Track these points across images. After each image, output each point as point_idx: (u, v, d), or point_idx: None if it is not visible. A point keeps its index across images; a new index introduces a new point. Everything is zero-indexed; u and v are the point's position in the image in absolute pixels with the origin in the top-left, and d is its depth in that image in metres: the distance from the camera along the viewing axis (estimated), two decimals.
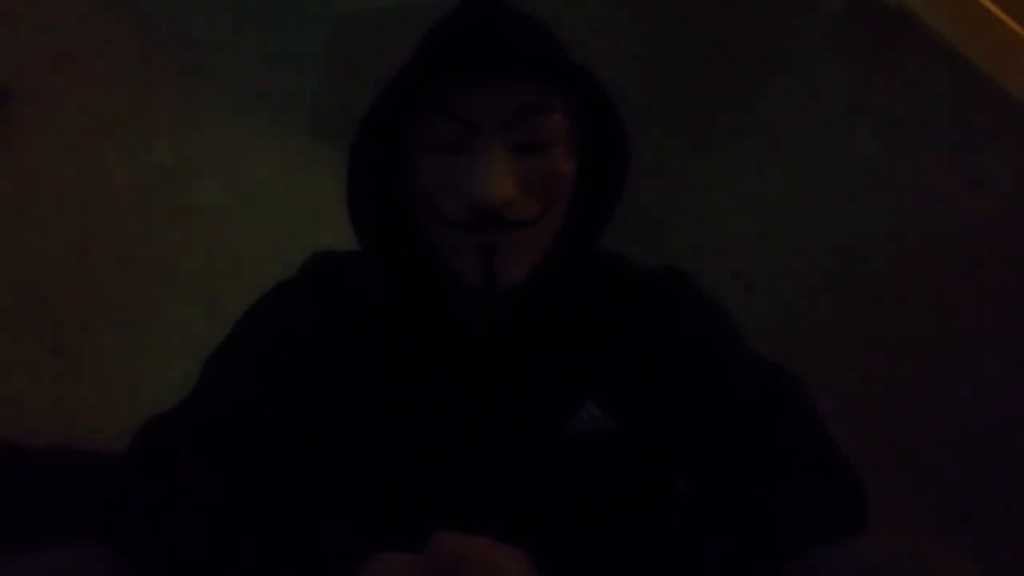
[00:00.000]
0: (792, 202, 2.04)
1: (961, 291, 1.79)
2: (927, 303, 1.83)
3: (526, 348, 0.82)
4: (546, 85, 0.76)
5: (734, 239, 2.16)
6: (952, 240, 1.80)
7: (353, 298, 0.86)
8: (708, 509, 0.71)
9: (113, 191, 1.88)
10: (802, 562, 0.65)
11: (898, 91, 1.85)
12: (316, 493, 0.78)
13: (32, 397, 1.61)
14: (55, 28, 1.90)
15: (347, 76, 2.02)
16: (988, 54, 1.71)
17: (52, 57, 1.88)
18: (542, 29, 0.82)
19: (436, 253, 0.81)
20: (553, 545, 0.65)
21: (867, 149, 1.92)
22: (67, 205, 1.82)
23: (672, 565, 0.65)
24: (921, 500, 1.72)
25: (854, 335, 1.93)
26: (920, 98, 1.82)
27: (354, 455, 0.78)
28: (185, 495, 0.71)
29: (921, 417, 1.82)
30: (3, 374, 1.62)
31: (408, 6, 1.76)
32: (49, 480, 1.41)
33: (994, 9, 1.73)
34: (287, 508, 0.75)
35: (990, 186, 1.75)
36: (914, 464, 1.77)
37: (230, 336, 0.86)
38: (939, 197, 1.82)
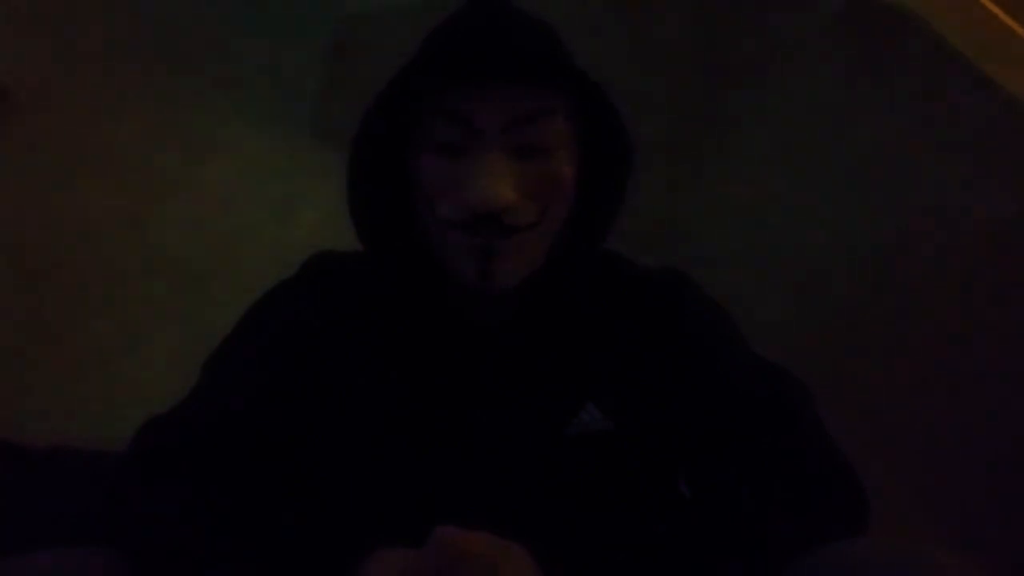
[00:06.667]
0: (791, 201, 2.05)
1: (961, 290, 1.79)
2: (927, 302, 1.83)
3: (527, 349, 0.82)
4: (548, 89, 0.76)
5: (733, 238, 2.16)
6: (951, 239, 1.81)
7: (353, 298, 0.86)
8: (709, 509, 0.71)
9: (113, 190, 1.88)
10: (802, 562, 0.65)
11: (897, 91, 1.85)
12: (317, 492, 0.78)
13: (32, 397, 1.61)
14: (55, 28, 1.90)
15: (347, 76, 2.02)
16: (988, 54, 1.71)
17: (52, 57, 1.89)
18: (545, 31, 0.82)
19: (436, 253, 0.81)
20: (554, 541, 0.65)
21: (866, 148, 1.92)
22: (66, 204, 1.83)
23: (672, 564, 0.65)
24: (921, 500, 1.72)
25: (853, 335, 1.94)
26: (920, 98, 1.82)
27: (355, 454, 0.78)
28: (185, 495, 0.71)
29: (921, 418, 1.83)
30: (3, 374, 1.62)
31: (409, 6, 1.77)
32: (49, 480, 1.41)
33: (994, 9, 1.74)
34: (288, 507, 0.75)
35: (989, 185, 1.75)
36: (914, 464, 1.77)
37: (230, 336, 0.86)
38: (938, 196, 1.82)
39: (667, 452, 0.80)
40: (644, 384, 0.81)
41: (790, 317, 1.94)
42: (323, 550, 0.65)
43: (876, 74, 1.87)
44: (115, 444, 0.81)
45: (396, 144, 0.81)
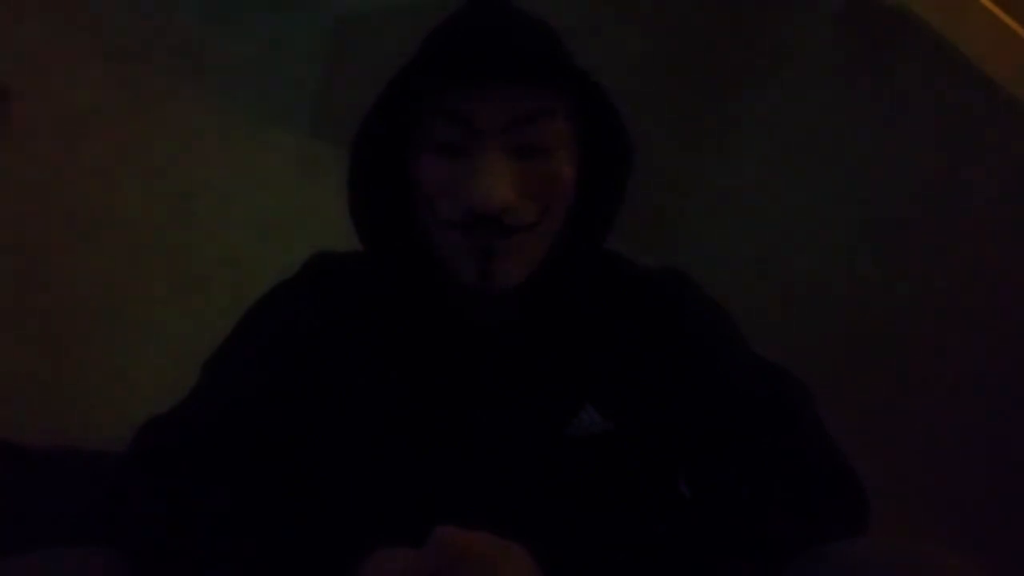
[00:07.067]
0: (791, 201, 2.05)
1: (961, 290, 1.79)
2: (927, 302, 1.83)
3: (527, 349, 0.82)
4: (548, 89, 0.76)
5: (733, 238, 2.16)
6: (951, 239, 1.81)
7: (353, 298, 0.86)
8: (709, 509, 0.71)
9: (113, 191, 1.88)
10: (802, 562, 0.65)
11: (897, 91, 1.85)
12: (317, 492, 0.78)
13: (32, 397, 1.61)
14: (55, 28, 1.90)
15: (347, 76, 2.02)
16: (988, 54, 1.71)
17: (52, 57, 1.88)
18: (545, 31, 0.82)
19: (436, 253, 0.81)
20: (554, 541, 0.65)
21: (866, 149, 1.92)
22: (66, 204, 1.82)
23: (672, 564, 0.65)
24: (921, 500, 1.72)
25: (853, 335, 1.93)
26: (920, 98, 1.82)
27: (355, 454, 0.78)
28: (185, 496, 0.71)
29: (921, 418, 1.83)
30: (3, 373, 1.62)
31: (408, 6, 1.76)
32: (49, 480, 1.41)
33: (994, 9, 1.74)
34: (288, 507, 0.75)
35: (989, 185, 1.75)
36: (914, 464, 1.77)
37: (230, 336, 0.86)
38: (938, 196, 1.82)
39: (667, 452, 0.80)
40: (644, 384, 0.81)
41: (790, 317, 1.94)
42: (323, 550, 0.65)
43: (876, 74, 1.86)
44: (115, 444, 0.81)
45: (396, 144, 0.81)
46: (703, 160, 2.16)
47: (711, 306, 0.88)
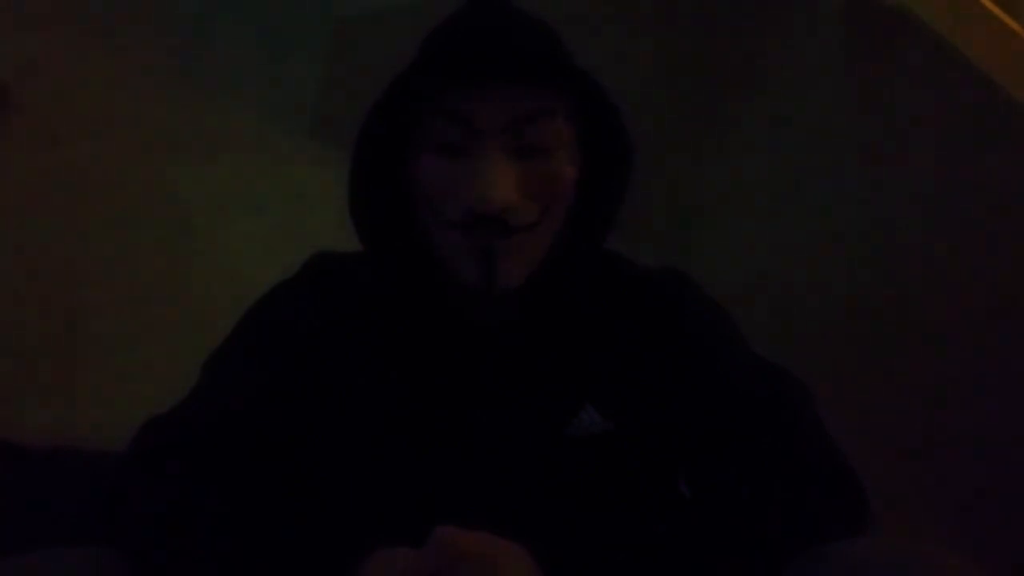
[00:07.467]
0: (791, 201, 2.05)
1: (961, 290, 1.79)
2: (927, 302, 1.83)
3: (527, 349, 0.82)
4: (548, 89, 0.76)
5: (733, 238, 2.16)
6: (951, 239, 1.81)
7: (354, 298, 0.86)
8: (709, 509, 0.71)
9: (113, 190, 1.88)
10: (802, 562, 0.65)
11: (897, 90, 1.85)
12: (317, 492, 0.78)
13: (32, 397, 1.61)
14: (55, 28, 1.90)
15: (347, 76, 2.02)
16: (988, 54, 1.71)
17: (52, 57, 1.89)
18: (545, 31, 0.82)
19: (436, 253, 0.81)
20: (554, 541, 0.65)
21: (866, 149, 1.92)
22: (67, 204, 1.82)
23: (672, 564, 0.65)
24: (921, 500, 1.72)
25: (852, 335, 1.93)
26: (920, 97, 1.82)
27: (355, 454, 0.78)
28: (185, 495, 0.71)
29: (921, 416, 1.82)
30: (3, 374, 1.62)
31: (408, 6, 1.76)
32: (49, 480, 1.41)
33: (994, 9, 1.74)
34: (288, 507, 0.75)
35: (989, 185, 1.75)
36: (914, 464, 1.77)
37: (230, 336, 0.86)
38: (938, 196, 1.82)
39: (667, 452, 0.80)
40: (644, 384, 0.81)
41: (790, 317, 1.94)
42: (323, 550, 0.65)
43: (876, 74, 1.87)
44: (115, 444, 0.81)
45: (396, 144, 0.81)
46: (703, 160, 2.16)
47: (711, 306, 0.88)
